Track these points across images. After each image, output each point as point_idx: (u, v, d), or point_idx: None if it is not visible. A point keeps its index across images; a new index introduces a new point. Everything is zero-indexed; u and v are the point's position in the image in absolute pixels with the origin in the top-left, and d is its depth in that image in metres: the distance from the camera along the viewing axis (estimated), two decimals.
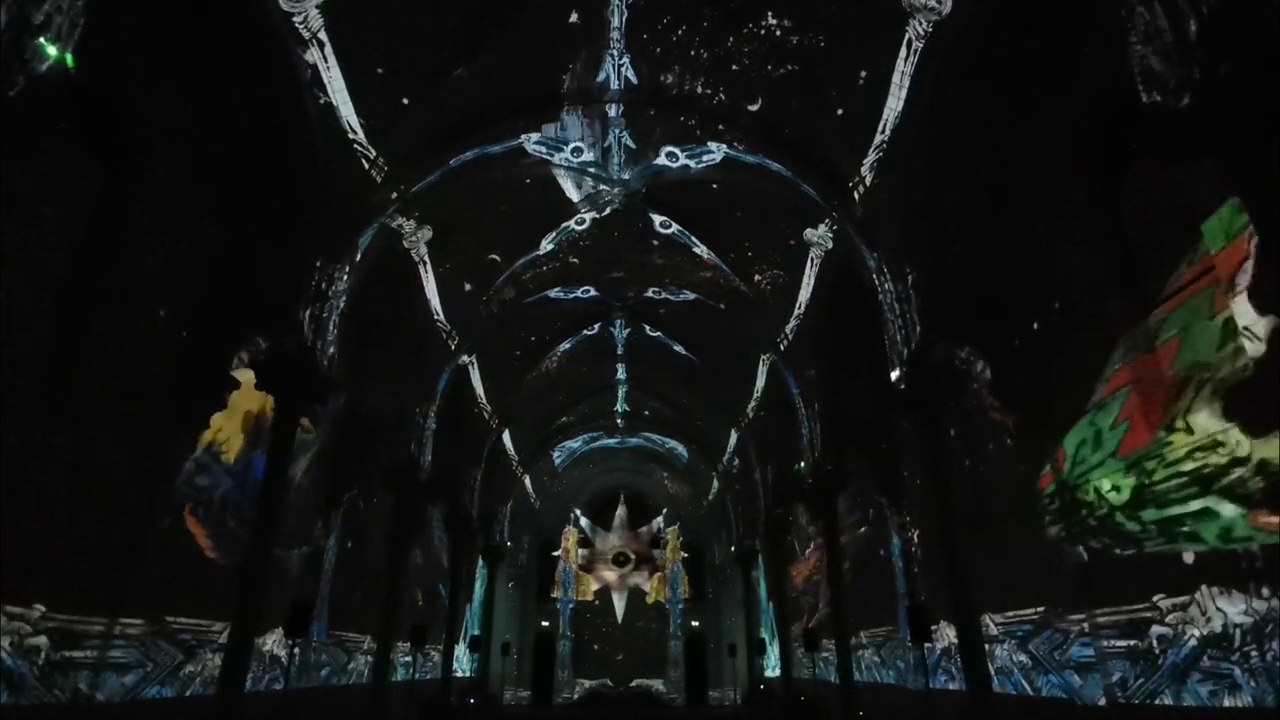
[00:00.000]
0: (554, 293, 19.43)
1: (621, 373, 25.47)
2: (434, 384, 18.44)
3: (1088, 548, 9.21)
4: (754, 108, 12.65)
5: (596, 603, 34.18)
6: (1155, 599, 7.78)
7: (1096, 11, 7.97)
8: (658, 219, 16.70)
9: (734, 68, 12.08)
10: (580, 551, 34.90)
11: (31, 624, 7.93)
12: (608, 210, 16.24)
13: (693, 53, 12.13)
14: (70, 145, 8.60)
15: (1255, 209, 6.10)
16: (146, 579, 9.81)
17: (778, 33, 11.19)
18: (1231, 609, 6.80)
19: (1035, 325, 10.33)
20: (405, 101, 12.00)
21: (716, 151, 13.92)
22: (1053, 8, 8.85)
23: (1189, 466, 7.52)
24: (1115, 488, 8.74)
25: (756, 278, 17.29)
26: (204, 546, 11.28)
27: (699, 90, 12.74)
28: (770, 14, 11.10)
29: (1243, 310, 6.77)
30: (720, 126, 13.23)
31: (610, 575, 34.69)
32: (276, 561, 12.14)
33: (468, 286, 17.44)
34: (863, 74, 10.91)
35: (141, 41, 9.15)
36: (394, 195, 13.09)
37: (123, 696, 9.24)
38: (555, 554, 34.73)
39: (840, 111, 11.73)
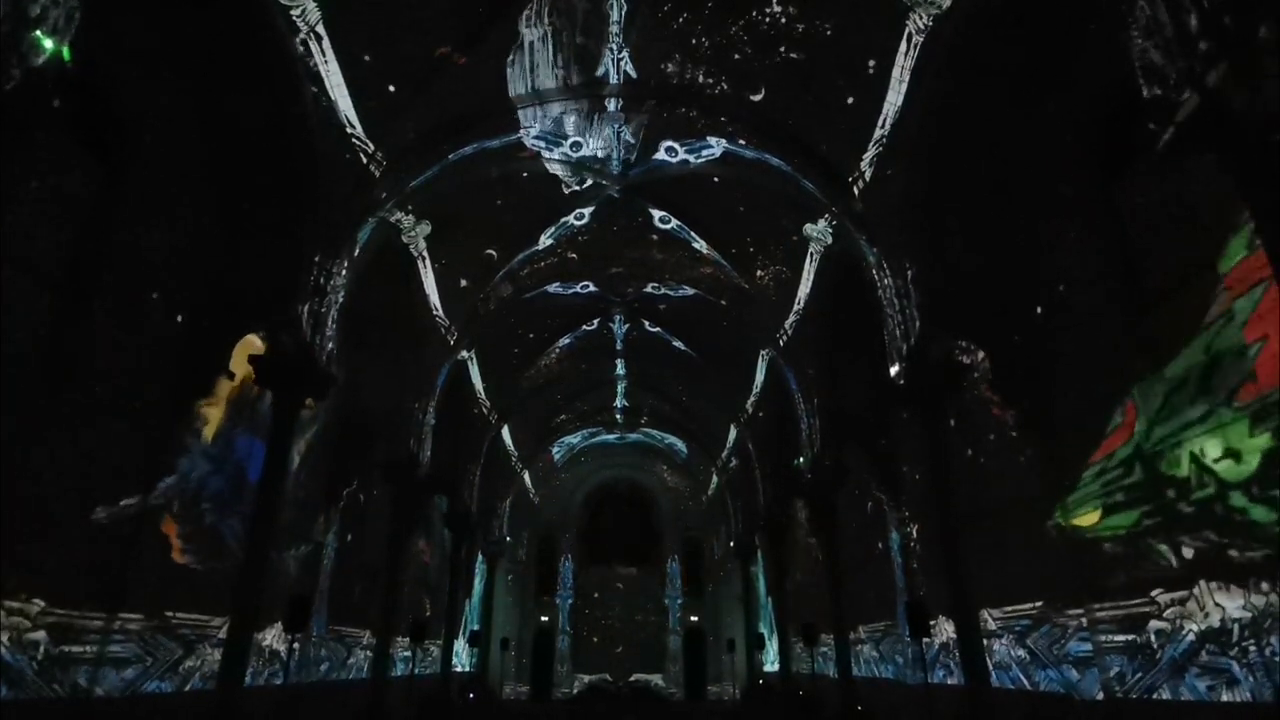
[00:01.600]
0: (553, 288, 19.40)
1: (621, 368, 25.45)
2: (433, 379, 18.42)
3: (1176, 546, 6.94)
4: (756, 98, 12.55)
5: (597, 592, 34.26)
6: (1153, 594, 7.79)
7: (1097, 6, 7.95)
8: (657, 214, 16.66)
9: (736, 56, 11.99)
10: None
11: (31, 619, 7.93)
12: (605, 200, 16.16)
13: (694, 41, 12.03)
14: (67, 139, 8.57)
15: (1256, 206, 6.09)
16: (145, 574, 9.82)
17: (782, 20, 11.09)
18: (1230, 604, 6.81)
19: (1035, 321, 10.32)
20: (404, 95, 11.95)
21: (716, 146, 13.88)
22: (1053, 2, 8.83)
23: None
24: (1231, 453, 6.14)
25: (759, 273, 17.26)
26: (174, 547, 10.46)
27: (700, 79, 12.63)
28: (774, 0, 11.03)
29: None
30: (721, 118, 13.12)
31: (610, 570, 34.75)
32: (275, 558, 12.16)
33: (463, 282, 17.40)
34: (871, 63, 10.75)
35: (139, 35, 9.11)
36: (392, 190, 13.04)
37: (122, 691, 9.24)
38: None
39: (840, 105, 11.67)
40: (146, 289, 10.01)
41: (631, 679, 32.22)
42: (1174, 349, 7.45)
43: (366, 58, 11.18)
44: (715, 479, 31.34)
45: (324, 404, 13.96)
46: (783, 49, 11.49)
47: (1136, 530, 7.72)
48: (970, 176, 10.89)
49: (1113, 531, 8.27)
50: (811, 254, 15.72)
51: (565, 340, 22.70)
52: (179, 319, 10.54)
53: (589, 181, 15.34)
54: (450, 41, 11.60)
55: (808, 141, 12.65)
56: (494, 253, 17.18)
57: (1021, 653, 10.36)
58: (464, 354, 19.85)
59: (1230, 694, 6.76)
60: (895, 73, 10.66)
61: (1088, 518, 8.79)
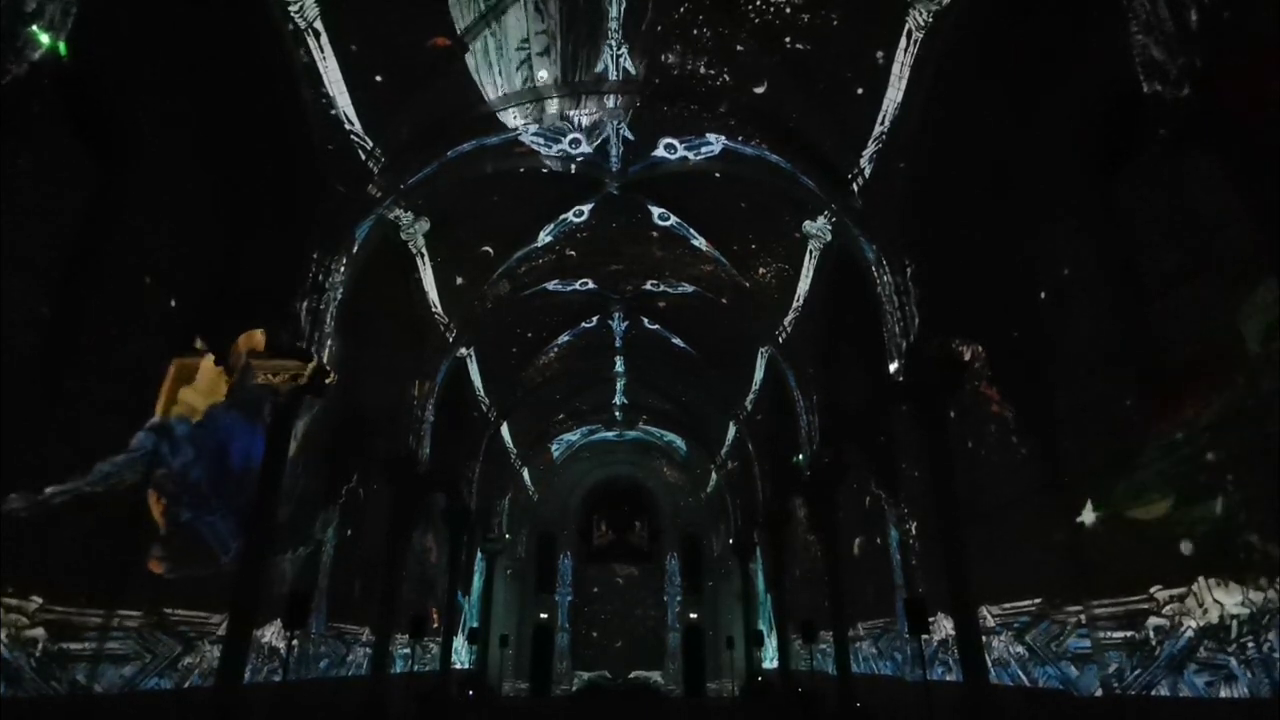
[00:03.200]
0: (552, 285, 19.38)
1: (620, 366, 25.44)
2: (432, 376, 18.41)
3: None
4: (759, 90, 12.40)
5: (596, 588, 34.30)
6: (1152, 590, 7.80)
7: (1098, 2, 7.93)
8: (656, 211, 16.64)
9: (738, 48, 11.85)
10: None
11: (29, 616, 7.92)
12: (604, 197, 16.10)
13: (695, 31, 11.90)
14: (64, 135, 8.54)
15: (1256, 203, 6.08)
16: (144, 570, 9.81)
17: (787, 10, 11.02)
18: (1229, 600, 6.81)
19: (1034, 318, 10.31)
20: (402, 92, 11.92)
21: (715, 143, 13.85)
22: None
23: None
24: None
25: (762, 271, 17.25)
26: (146, 547, 9.89)
27: (702, 71, 12.49)
28: None
29: None
30: (721, 110, 12.99)
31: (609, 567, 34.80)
32: (275, 554, 12.15)
33: (459, 280, 17.38)
34: (880, 54, 10.67)
35: (136, 31, 9.07)
36: (391, 186, 13.01)
37: (121, 688, 9.24)
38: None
39: (846, 98, 11.58)
40: (143, 285, 9.98)
41: (630, 676, 32.26)
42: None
43: (365, 54, 11.15)
44: (714, 476, 31.35)
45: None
46: (788, 40, 11.39)
47: (1236, 522, 6.46)
48: (970, 173, 10.87)
49: (1191, 525, 6.96)
50: (811, 251, 15.70)
51: (564, 337, 22.69)
52: (177, 314, 10.48)
53: (574, 164, 15.03)
54: (449, 36, 11.56)
55: (808, 137, 12.62)
56: (490, 249, 17.16)
57: (1020, 649, 10.36)
58: (463, 351, 19.83)
59: (1228, 690, 6.76)
60: (895, 69, 10.65)
61: (1152, 508, 7.33)
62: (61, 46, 6.45)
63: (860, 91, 11.26)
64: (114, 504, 9.28)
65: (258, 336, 11.72)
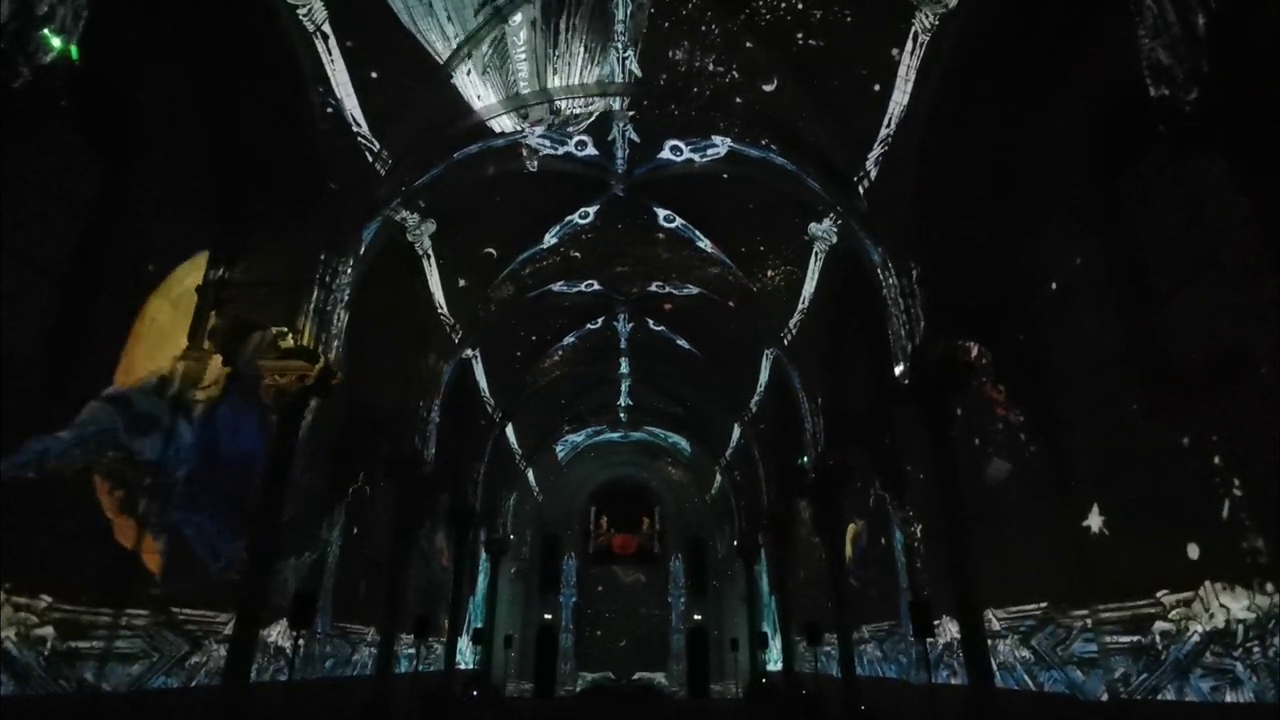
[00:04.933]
0: (557, 287, 19.43)
1: (625, 367, 25.47)
2: (438, 377, 18.45)
3: None
4: (769, 88, 12.31)
5: (600, 589, 34.32)
6: (1159, 594, 7.78)
7: (1104, 5, 7.93)
8: (662, 213, 16.66)
9: (748, 44, 11.77)
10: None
11: (38, 614, 7.98)
12: (609, 199, 16.11)
13: (704, 28, 11.84)
14: (74, 136, 8.61)
15: (1262, 206, 6.07)
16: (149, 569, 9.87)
17: (799, 6, 10.99)
18: (1235, 604, 6.79)
19: (1039, 320, 10.30)
20: (409, 94, 11.97)
21: (721, 145, 13.87)
22: (1059, 1, 8.81)
23: None
24: None
25: (769, 273, 17.25)
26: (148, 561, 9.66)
27: (710, 68, 12.41)
28: None
29: None
30: (729, 107, 12.92)
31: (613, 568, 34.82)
32: (282, 557, 12.20)
33: (461, 282, 17.42)
34: (895, 51, 10.57)
35: (146, 34, 9.15)
36: (397, 188, 13.06)
37: (129, 686, 9.30)
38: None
39: (856, 96, 11.51)
40: (150, 286, 10.06)
41: (634, 677, 32.27)
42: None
43: (372, 56, 11.20)
44: (719, 478, 31.34)
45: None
46: (800, 36, 11.30)
47: (1242, 526, 6.77)
48: (975, 175, 10.86)
49: (1197, 528, 7.30)
50: (816, 253, 15.71)
51: (569, 339, 22.73)
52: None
53: (569, 147, 14.73)
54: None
55: (814, 139, 12.60)
56: (493, 251, 17.20)
57: (1026, 653, 10.34)
58: (468, 352, 19.88)
59: (1234, 695, 6.74)
60: (901, 71, 10.64)
61: (1158, 511, 7.80)
62: (74, 50, 6.50)
63: (877, 88, 11.13)
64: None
65: (263, 335, 11.75)
